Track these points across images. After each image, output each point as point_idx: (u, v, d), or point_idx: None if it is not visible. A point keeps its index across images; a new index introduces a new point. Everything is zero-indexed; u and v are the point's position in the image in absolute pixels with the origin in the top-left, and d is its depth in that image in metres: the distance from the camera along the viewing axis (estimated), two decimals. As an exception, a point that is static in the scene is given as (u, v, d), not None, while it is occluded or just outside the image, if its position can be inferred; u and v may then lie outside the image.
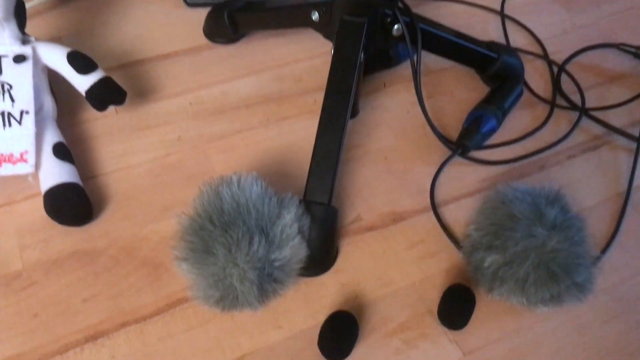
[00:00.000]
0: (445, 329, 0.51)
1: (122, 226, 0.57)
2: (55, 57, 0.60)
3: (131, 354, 0.49)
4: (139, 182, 0.60)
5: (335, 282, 0.54)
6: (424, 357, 0.50)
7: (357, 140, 0.65)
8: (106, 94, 0.61)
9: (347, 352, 0.49)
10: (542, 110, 0.70)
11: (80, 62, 0.60)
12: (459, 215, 0.59)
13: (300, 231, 0.50)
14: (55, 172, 0.57)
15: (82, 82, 0.60)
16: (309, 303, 0.52)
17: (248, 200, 0.48)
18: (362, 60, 0.58)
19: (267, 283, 0.48)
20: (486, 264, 0.50)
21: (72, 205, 0.55)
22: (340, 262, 0.55)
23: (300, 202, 0.52)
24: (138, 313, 0.51)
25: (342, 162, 0.63)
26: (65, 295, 0.52)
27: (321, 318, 0.50)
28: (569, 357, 0.50)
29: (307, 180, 0.54)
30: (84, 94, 0.61)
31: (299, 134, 0.65)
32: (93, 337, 0.50)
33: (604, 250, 0.57)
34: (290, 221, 0.49)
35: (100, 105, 0.61)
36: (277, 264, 0.48)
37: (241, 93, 0.69)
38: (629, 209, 0.61)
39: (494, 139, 0.66)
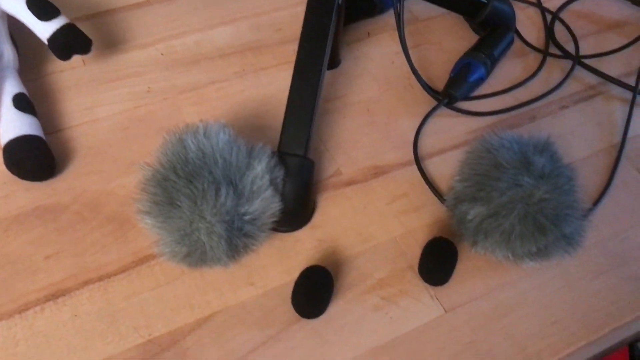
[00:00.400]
0: (427, 285, 0.49)
1: (88, 181, 0.54)
2: (14, 2, 0.56)
3: (94, 312, 0.46)
4: (106, 135, 0.57)
5: (311, 237, 0.51)
6: (404, 314, 0.47)
7: (338, 92, 0.62)
8: (70, 42, 0.57)
9: (322, 309, 0.46)
10: (534, 59, 0.67)
11: (41, 7, 0.56)
12: (444, 168, 0.56)
13: (272, 183, 0.47)
14: (15, 125, 0.53)
15: (43, 29, 0.56)
16: (283, 259, 0.50)
17: (214, 149, 0.45)
18: (340, 2, 0.54)
19: (237, 238, 0.45)
20: (470, 217, 0.47)
21: (34, 158, 0.52)
22: (317, 217, 0.53)
23: (273, 153, 0.49)
24: (102, 270, 0.48)
25: (322, 114, 0.60)
26: (26, 253, 0.49)
27: (296, 275, 0.47)
28: (556, 313, 0.48)
29: (282, 132, 0.51)
30: (46, 42, 0.57)
31: (277, 85, 0.62)
32: (54, 296, 0.47)
33: (596, 203, 0.54)
34: (261, 172, 0.46)
35: (64, 55, 0.58)
36: (247, 217, 0.45)
37: (216, 43, 0.65)
38: (622, 160, 0.58)
39: (483, 89, 0.63)
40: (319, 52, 0.51)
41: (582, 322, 0.47)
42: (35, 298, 0.47)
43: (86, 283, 0.48)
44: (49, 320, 0.46)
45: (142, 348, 0.45)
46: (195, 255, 0.45)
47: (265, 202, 0.46)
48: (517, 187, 0.45)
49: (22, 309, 0.46)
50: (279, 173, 0.48)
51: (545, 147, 0.48)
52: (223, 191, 0.43)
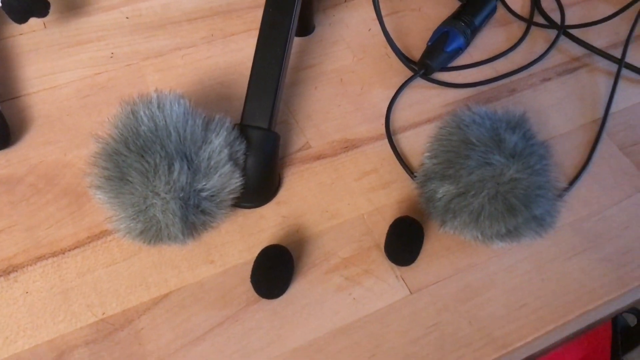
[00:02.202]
0: (393, 265, 0.47)
1: (44, 151, 0.51)
2: (-36, -40, 0.53)
3: (47, 289, 0.45)
4: (65, 103, 0.54)
5: (275, 214, 0.49)
6: (368, 294, 0.46)
7: (310, 60, 0.59)
8: (25, 4, 0.54)
9: (282, 289, 0.44)
10: (517, 28, 0.64)
11: (-6, -34, 0.53)
12: (417, 143, 0.54)
13: (232, 158, 0.45)
14: (-33, 91, 0.51)
15: (-4, -10, 0.53)
16: (245, 237, 0.48)
17: (168, 121, 0.42)
18: (310, -35, 0.51)
19: (194, 215, 0.43)
20: (439, 195, 0.45)
21: (-14, 128, 0.50)
22: (283, 192, 0.51)
23: (234, 125, 0.46)
24: (56, 246, 0.47)
25: (293, 84, 0.57)
26: (-23, 227, 0.47)
27: (257, 253, 0.45)
28: (525, 295, 0.46)
29: (245, 103, 0.48)
30: (-1, 3, 0.54)
31: (246, 52, 0.59)
32: (5, 272, 0.45)
33: (573, 181, 0.52)
34: (218, 146, 0.44)
35: (20, 17, 0.55)
36: (204, 194, 0.43)
37: (184, 6, 0.62)
38: (603, 136, 0.55)
39: (462, 59, 0.60)
40: (285, 18, 0.49)
41: (551, 305, 0.46)
42: (-15, 274, 0.45)
43: (39, 259, 0.46)
44: (-1, 297, 0.44)
45: (95, 327, 0.43)
46: (151, 233, 0.43)
47: (224, 178, 0.44)
48: (486, 166, 0.43)
49: (-29, 286, 0.44)
50: (240, 147, 0.46)
51: (518, 124, 0.45)
52: (176, 166, 0.41)
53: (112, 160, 0.42)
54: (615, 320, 0.93)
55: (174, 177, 0.41)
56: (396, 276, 0.47)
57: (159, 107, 0.43)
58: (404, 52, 0.60)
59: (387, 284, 0.46)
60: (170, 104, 0.43)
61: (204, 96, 0.56)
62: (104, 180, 0.42)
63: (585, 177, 0.53)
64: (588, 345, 0.90)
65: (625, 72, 0.60)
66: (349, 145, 0.54)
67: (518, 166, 0.43)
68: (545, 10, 0.65)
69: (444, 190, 0.45)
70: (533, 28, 0.63)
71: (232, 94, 0.56)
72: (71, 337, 0.43)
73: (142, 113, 0.42)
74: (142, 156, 0.41)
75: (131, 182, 0.41)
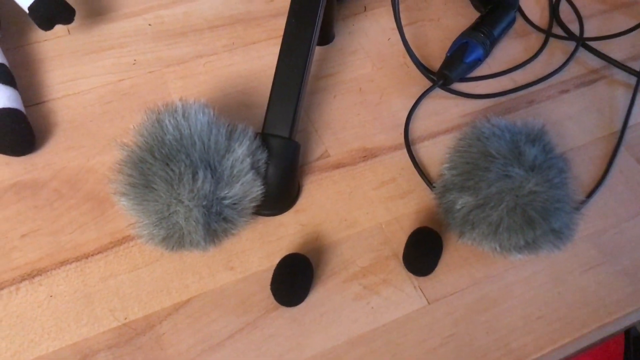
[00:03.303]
0: (411, 275, 0.47)
1: (67, 156, 0.52)
2: (-7, -32, 0.54)
3: (70, 293, 0.45)
4: (88, 109, 0.55)
5: (295, 222, 0.50)
6: (385, 304, 0.46)
7: (330, 69, 0.60)
8: (52, 11, 0.55)
9: (301, 297, 0.45)
10: (536, 40, 0.64)
11: (21, -27, 0.54)
12: (435, 153, 0.54)
13: (254, 167, 0.46)
14: (-6, 97, 0.52)
15: (24, -3, 0.55)
16: (265, 244, 0.49)
17: (192, 130, 0.43)
18: (332, -24, 0.51)
19: (216, 222, 0.44)
20: (458, 206, 0.45)
21: (12, 132, 0.51)
22: (302, 201, 0.51)
23: (255, 135, 0.47)
24: (79, 250, 0.47)
25: (312, 93, 0.58)
26: (2, 230, 0.48)
27: (277, 260, 0.46)
28: (542, 307, 0.46)
29: (266, 113, 0.49)
30: (26, 10, 0.55)
31: (267, 61, 0.60)
32: (30, 275, 0.46)
33: (590, 194, 0.52)
34: (241, 155, 0.44)
35: (46, 24, 0.56)
36: (227, 202, 0.44)
37: (206, 14, 0.63)
38: (621, 149, 0.56)
39: (481, 69, 0.61)
40: (307, 30, 0.49)
41: (567, 318, 0.46)
42: (11, 277, 0.46)
43: (63, 263, 0.47)
44: (24, 300, 0.45)
45: (117, 331, 0.44)
46: (173, 239, 0.43)
47: (245, 187, 0.45)
48: (506, 178, 0.43)
49: (-3, 288, 0.45)
50: (262, 156, 0.47)
51: (538, 137, 0.46)
52: (200, 175, 0.42)
53: (137, 167, 0.42)
54: (628, 329, 0.93)
55: (198, 186, 0.42)
56: (414, 286, 0.47)
57: (184, 116, 0.43)
58: (422, 62, 0.61)
59: (405, 293, 0.47)
60: (195, 113, 0.44)
61: (225, 103, 0.56)
62: (128, 187, 0.43)
63: (602, 190, 0.53)
64: (600, 354, 0.90)
65: (643, 84, 0.60)
66: (368, 155, 0.54)
67: (537, 179, 0.43)
68: (564, 21, 0.65)
69: (463, 201, 0.45)
70: (551, 39, 0.64)
71: (252, 101, 0.57)
72: (94, 341, 0.43)
73: (167, 122, 0.43)
74: (167, 164, 0.42)
75: (155, 190, 0.42)
